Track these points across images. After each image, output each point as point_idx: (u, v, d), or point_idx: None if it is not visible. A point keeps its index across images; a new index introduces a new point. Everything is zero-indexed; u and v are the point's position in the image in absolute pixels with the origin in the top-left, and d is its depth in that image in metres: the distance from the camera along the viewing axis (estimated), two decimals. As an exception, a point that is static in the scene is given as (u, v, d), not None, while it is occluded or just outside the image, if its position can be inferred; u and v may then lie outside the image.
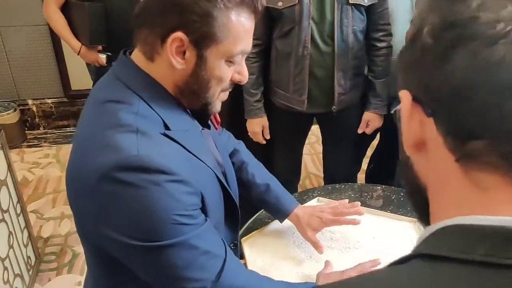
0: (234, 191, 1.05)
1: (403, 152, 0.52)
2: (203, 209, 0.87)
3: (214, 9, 0.79)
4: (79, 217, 0.87)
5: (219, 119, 1.04)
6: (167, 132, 0.83)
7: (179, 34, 0.79)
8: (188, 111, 0.92)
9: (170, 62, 0.82)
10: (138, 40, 0.86)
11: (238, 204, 1.02)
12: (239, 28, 0.83)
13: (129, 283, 0.92)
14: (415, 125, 0.47)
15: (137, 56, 0.87)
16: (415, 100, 0.46)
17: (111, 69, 0.91)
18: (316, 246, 1.25)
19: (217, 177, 0.94)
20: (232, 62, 0.87)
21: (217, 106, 0.93)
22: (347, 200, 1.34)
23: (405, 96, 0.47)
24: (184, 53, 0.82)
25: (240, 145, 1.33)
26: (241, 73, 0.91)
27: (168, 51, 0.81)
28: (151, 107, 0.83)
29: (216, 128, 1.10)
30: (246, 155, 1.31)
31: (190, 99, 0.89)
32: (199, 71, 0.84)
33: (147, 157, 0.76)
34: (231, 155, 1.26)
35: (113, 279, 0.93)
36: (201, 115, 0.95)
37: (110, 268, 0.92)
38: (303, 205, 1.35)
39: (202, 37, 0.80)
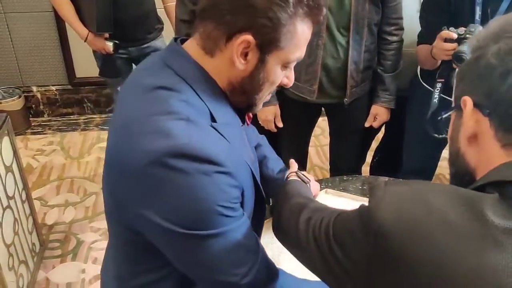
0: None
1: (453, 146, 0.70)
2: (241, 204, 0.87)
3: (285, 16, 0.80)
4: (117, 200, 0.86)
5: (251, 115, 1.05)
6: (213, 124, 0.83)
7: (248, 37, 0.80)
8: (232, 106, 0.92)
9: (232, 60, 0.83)
10: (199, 33, 0.86)
11: (265, 200, 1.02)
12: (301, 36, 0.85)
13: (153, 272, 0.92)
14: (472, 123, 0.64)
15: (192, 47, 0.87)
16: (475, 104, 0.63)
17: (158, 56, 0.90)
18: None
19: (252, 172, 0.94)
20: (286, 67, 0.89)
21: (260, 107, 0.95)
22: None
23: (468, 101, 0.64)
24: (247, 54, 0.83)
25: (263, 140, 1.33)
26: (289, 77, 0.93)
27: (234, 51, 0.81)
28: (200, 97, 0.84)
29: (248, 124, 1.11)
30: (268, 149, 1.32)
31: (239, 97, 0.90)
32: (256, 73, 0.85)
33: (199, 146, 0.76)
34: (255, 149, 1.27)
35: (139, 265, 0.94)
36: (240, 112, 0.95)
37: (138, 255, 0.92)
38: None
39: (269, 42, 0.82)
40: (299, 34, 0.84)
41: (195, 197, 0.76)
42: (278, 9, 0.79)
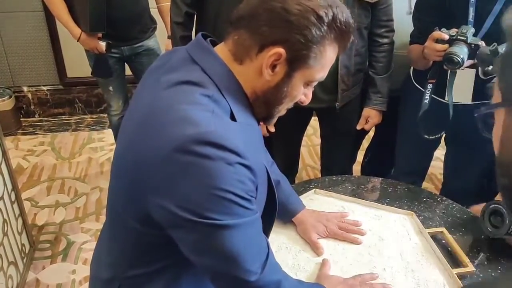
0: None
1: (506, 151, 0.55)
2: None
3: (318, 36, 0.83)
4: (132, 188, 0.86)
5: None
6: (233, 122, 0.85)
7: (280, 50, 0.82)
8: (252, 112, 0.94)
9: (260, 70, 0.86)
10: (232, 40, 0.88)
11: (277, 206, 1.02)
12: (328, 59, 0.88)
13: (151, 265, 0.94)
14: None
15: (222, 51, 0.90)
16: None
17: (184, 51, 0.91)
18: (317, 247, 1.27)
19: (268, 175, 0.95)
20: (308, 85, 0.92)
21: (274, 120, 0.99)
22: (348, 214, 1.39)
23: None
24: (275, 66, 0.85)
25: (283, 179, 1.34)
26: (307, 95, 0.96)
27: (264, 62, 0.84)
28: (223, 96, 0.85)
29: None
30: (288, 188, 1.34)
31: (259, 107, 0.92)
32: (281, 86, 0.88)
33: (224, 135, 0.78)
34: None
35: (137, 258, 0.95)
36: (257, 120, 0.97)
37: (140, 248, 0.93)
38: (301, 195, 1.35)
39: (299, 58, 0.85)
40: (327, 56, 0.87)
41: (214, 184, 0.77)
42: (314, 29, 0.82)
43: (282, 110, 0.96)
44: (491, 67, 1.47)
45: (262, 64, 0.85)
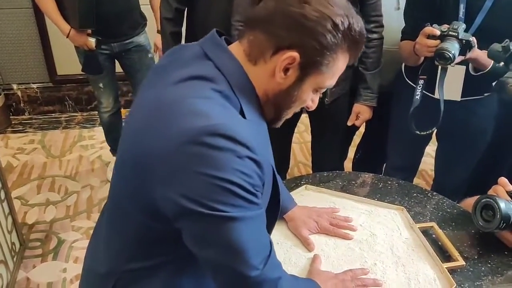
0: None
1: None
2: None
3: (333, 44, 0.84)
4: (139, 181, 0.85)
5: None
6: (243, 119, 0.85)
7: (294, 54, 0.83)
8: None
9: (273, 72, 0.86)
10: (247, 40, 0.89)
11: (280, 203, 1.02)
12: (339, 66, 0.89)
13: (149, 259, 0.94)
14: None
15: (237, 50, 0.90)
16: None
17: (198, 47, 0.92)
18: (307, 243, 1.27)
19: (274, 174, 0.95)
20: (317, 91, 0.93)
21: (281, 123, 0.99)
22: (339, 209, 1.39)
23: None
24: (288, 70, 0.86)
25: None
26: (314, 101, 0.97)
27: (278, 64, 0.85)
28: (234, 92, 0.86)
29: None
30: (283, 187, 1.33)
31: (269, 108, 0.93)
32: (292, 90, 0.89)
33: (235, 128, 0.78)
34: None
35: (136, 252, 0.94)
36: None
37: (141, 242, 0.93)
38: (292, 191, 1.34)
39: (312, 64, 0.86)
40: (338, 64, 0.89)
41: (223, 176, 0.77)
42: (329, 36, 0.83)
43: (290, 113, 0.97)
44: (502, 63, 1.47)
45: (275, 66, 0.86)
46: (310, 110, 0.98)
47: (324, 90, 0.95)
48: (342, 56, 0.88)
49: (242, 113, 0.86)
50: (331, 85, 0.93)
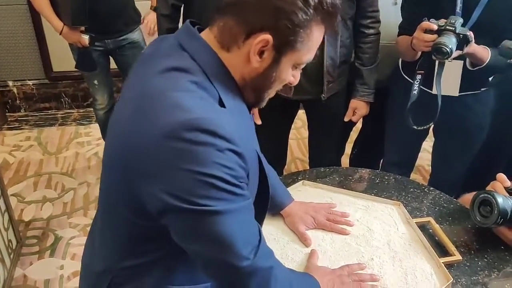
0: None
1: None
2: None
3: (305, 20, 0.82)
4: (124, 177, 0.85)
5: (256, 111, 1.04)
6: (222, 109, 0.85)
7: (267, 36, 0.82)
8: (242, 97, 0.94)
9: (248, 57, 0.85)
10: (218, 27, 0.87)
11: (269, 191, 1.02)
12: (315, 41, 0.88)
13: (144, 256, 0.94)
14: None
15: (208, 38, 0.89)
16: None
17: (173, 38, 0.91)
18: (304, 238, 1.27)
19: (259, 162, 0.95)
20: (296, 67, 0.92)
21: (265, 103, 0.98)
22: (336, 205, 1.38)
23: None
24: (262, 53, 0.85)
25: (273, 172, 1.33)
26: (295, 76, 0.95)
27: (251, 49, 0.84)
28: (211, 82, 0.85)
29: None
30: (277, 180, 1.33)
31: (249, 93, 0.92)
32: (269, 72, 0.88)
33: (215, 121, 0.78)
34: None
35: (130, 249, 0.94)
36: (247, 107, 0.97)
37: (133, 239, 0.93)
38: (289, 187, 1.34)
39: (286, 44, 0.84)
40: (314, 38, 0.87)
41: (205, 171, 0.77)
42: (300, 13, 0.81)
43: (271, 93, 0.96)
44: None
45: (249, 51, 0.84)
46: (293, 85, 0.97)
47: (304, 65, 0.93)
48: (316, 29, 0.86)
49: (221, 102, 0.85)
50: (309, 60, 0.92)
